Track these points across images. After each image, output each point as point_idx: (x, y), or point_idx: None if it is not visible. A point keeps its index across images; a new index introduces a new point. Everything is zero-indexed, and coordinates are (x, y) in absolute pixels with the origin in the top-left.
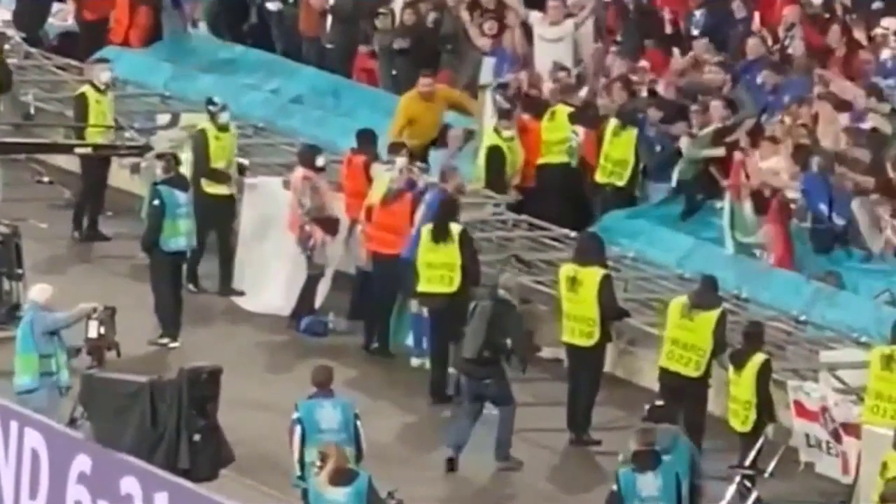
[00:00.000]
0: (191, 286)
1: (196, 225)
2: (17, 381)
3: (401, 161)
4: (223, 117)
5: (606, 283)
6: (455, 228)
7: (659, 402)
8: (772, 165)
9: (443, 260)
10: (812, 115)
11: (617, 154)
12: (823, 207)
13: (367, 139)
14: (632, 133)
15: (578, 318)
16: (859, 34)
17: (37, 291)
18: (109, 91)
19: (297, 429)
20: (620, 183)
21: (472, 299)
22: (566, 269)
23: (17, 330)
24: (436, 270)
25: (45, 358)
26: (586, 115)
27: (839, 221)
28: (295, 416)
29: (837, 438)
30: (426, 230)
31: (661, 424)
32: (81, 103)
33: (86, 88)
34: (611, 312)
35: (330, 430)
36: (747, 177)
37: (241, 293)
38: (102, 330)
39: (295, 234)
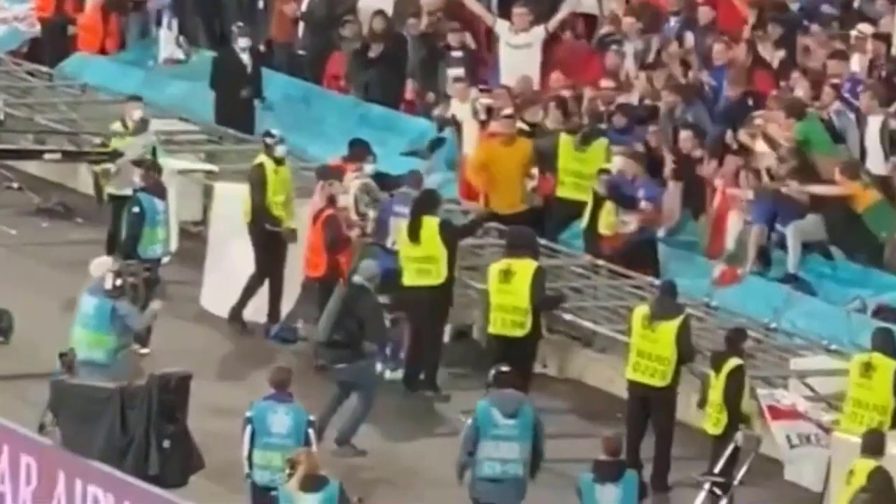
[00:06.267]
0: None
1: (256, 259)
2: (85, 354)
3: (368, 168)
4: (280, 150)
5: (540, 274)
6: (431, 222)
7: (504, 368)
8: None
9: (422, 254)
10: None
11: (585, 168)
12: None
13: (360, 151)
14: (601, 145)
15: (509, 309)
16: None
17: (96, 268)
18: (140, 132)
19: (248, 428)
20: (586, 197)
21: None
22: (498, 265)
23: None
24: (417, 264)
25: (121, 336)
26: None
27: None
28: (247, 414)
29: (826, 430)
30: (403, 227)
31: (506, 390)
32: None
33: (116, 125)
34: (542, 303)
35: (279, 434)
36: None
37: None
38: None
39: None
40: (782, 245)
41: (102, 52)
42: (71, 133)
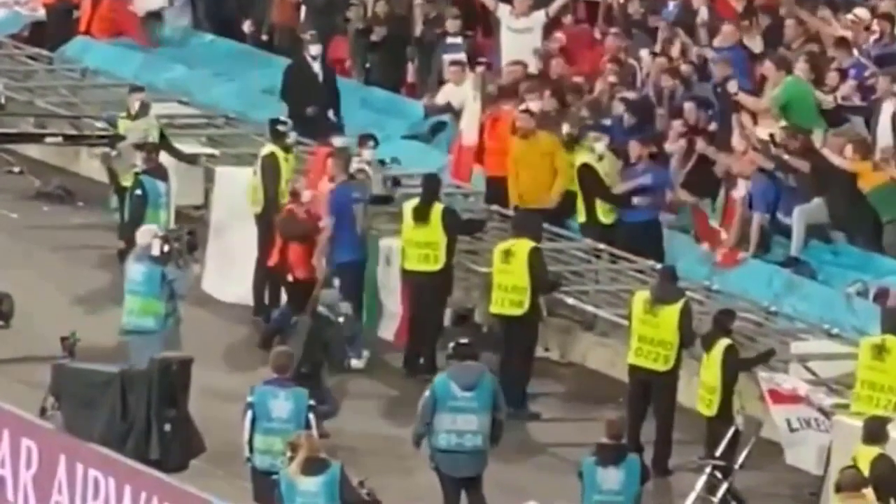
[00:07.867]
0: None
1: (261, 248)
2: (136, 322)
3: (367, 154)
4: (291, 137)
5: (536, 254)
6: (437, 207)
7: (463, 340)
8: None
9: (424, 238)
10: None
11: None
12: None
13: (327, 131)
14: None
15: (508, 288)
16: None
17: (142, 235)
18: (141, 116)
19: (249, 413)
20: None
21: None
22: (501, 246)
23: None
24: (419, 249)
25: (169, 302)
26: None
27: (786, 221)
28: (249, 399)
29: (826, 415)
30: (409, 209)
31: (465, 362)
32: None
33: (122, 116)
34: (542, 284)
35: (279, 419)
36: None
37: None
38: None
39: None
40: (781, 231)
41: (88, 33)
42: (72, 117)
